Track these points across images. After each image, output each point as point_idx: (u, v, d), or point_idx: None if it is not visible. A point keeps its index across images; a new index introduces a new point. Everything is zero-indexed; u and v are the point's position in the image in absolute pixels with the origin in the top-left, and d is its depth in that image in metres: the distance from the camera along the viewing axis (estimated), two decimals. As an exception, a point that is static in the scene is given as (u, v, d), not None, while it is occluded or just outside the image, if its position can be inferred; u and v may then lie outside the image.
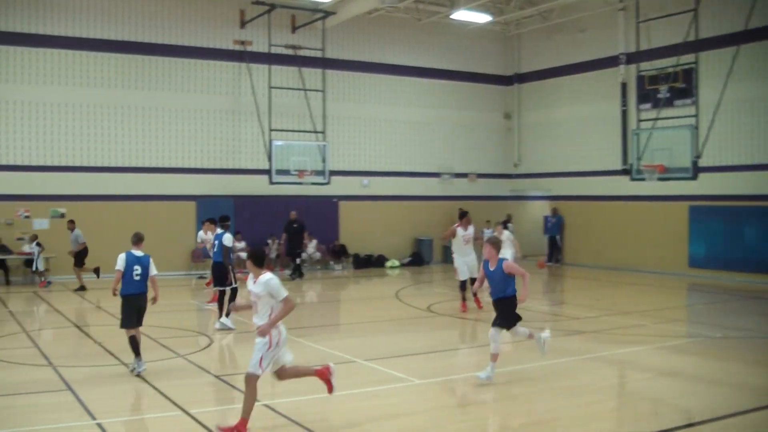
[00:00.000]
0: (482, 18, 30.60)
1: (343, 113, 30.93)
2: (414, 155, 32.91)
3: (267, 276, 9.12)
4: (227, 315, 16.36)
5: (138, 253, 12.39)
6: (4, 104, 25.61)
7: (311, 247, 29.66)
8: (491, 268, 11.61)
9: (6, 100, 25.64)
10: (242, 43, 28.96)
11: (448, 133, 33.78)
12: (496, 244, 11.86)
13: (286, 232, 27.32)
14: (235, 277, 17.12)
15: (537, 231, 33.99)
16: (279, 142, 28.00)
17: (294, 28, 29.80)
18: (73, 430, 9.36)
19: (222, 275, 17.07)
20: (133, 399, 10.94)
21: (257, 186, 28.80)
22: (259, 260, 9.29)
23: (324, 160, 28.53)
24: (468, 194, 33.59)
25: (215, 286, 17.38)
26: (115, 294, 12.44)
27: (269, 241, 28.79)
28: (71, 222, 24.45)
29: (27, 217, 25.96)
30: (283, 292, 9.09)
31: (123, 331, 12.43)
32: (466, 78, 34.13)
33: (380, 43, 31.91)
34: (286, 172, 27.91)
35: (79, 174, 26.51)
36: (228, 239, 17.15)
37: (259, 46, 29.06)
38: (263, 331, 9.11)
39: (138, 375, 11.93)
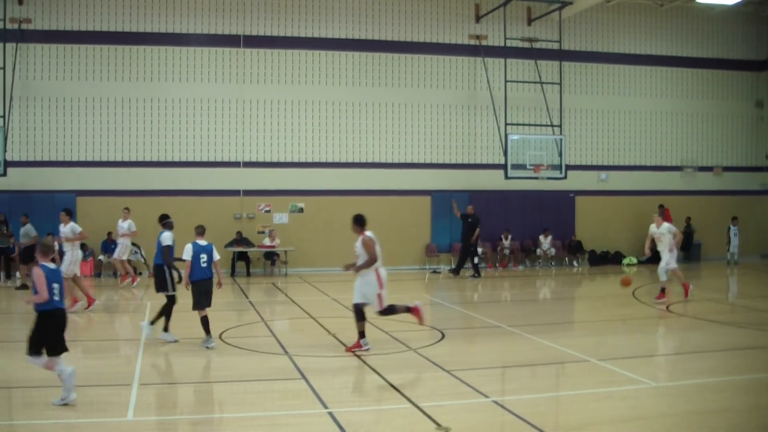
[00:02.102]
0: (732, -1, 28.62)
1: (579, 105, 29.95)
2: (653, 148, 31.32)
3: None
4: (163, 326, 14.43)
5: (202, 242, 13.90)
6: (264, 103, 26.87)
7: (546, 243, 28.95)
8: None
9: (256, 99, 26.89)
10: (477, 37, 28.72)
11: (690, 124, 31.86)
12: None
13: (463, 227, 26.24)
14: (173, 284, 14.55)
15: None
16: (515, 136, 27.48)
17: (529, 21, 29.22)
18: (304, 417, 9.38)
19: (161, 279, 14.63)
20: (365, 390, 10.86)
21: (492, 181, 28.44)
22: (360, 222, 13.04)
23: (560, 154, 27.70)
24: (712, 189, 31.63)
25: (157, 291, 14.82)
26: (187, 285, 13.54)
27: (502, 236, 28.39)
28: (25, 216, 23.73)
29: (267, 211, 27.04)
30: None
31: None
32: (711, 65, 32.01)
33: (618, 32, 30.62)
34: (521, 167, 27.33)
35: (317, 170, 27.39)
36: (167, 238, 14.84)
37: (495, 39, 28.70)
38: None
39: (208, 348, 13.27)
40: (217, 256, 14.15)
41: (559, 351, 13.19)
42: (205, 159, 26.78)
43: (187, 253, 13.62)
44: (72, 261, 17.99)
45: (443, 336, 14.78)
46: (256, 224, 27.02)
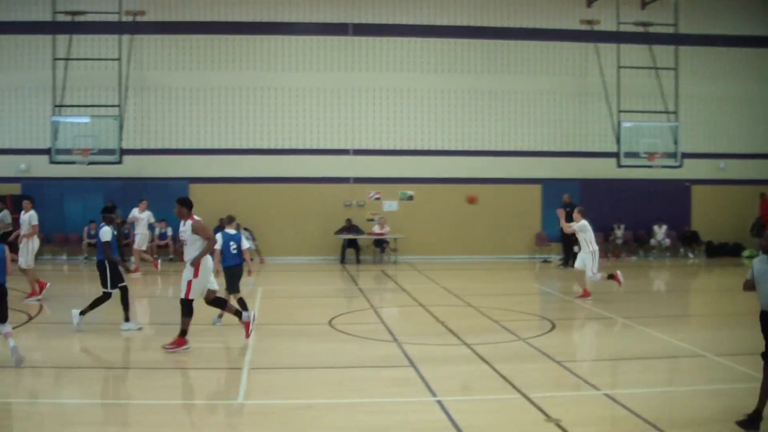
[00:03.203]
0: None
1: (696, 91, 28.84)
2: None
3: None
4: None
5: (231, 231, 14.64)
6: (374, 91, 27.09)
7: (661, 233, 28.27)
8: None
9: (366, 86, 27.08)
10: (589, 22, 28.12)
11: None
12: None
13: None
14: (116, 278, 13.93)
15: None
16: (628, 124, 26.86)
17: (644, 4, 28.42)
18: (413, 405, 9.39)
19: (103, 274, 13.99)
20: (474, 379, 10.77)
21: (604, 169, 27.84)
22: (187, 205, 12.54)
23: (676, 142, 26.94)
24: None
25: (102, 286, 14.07)
26: (217, 273, 13.64)
27: (614, 226, 27.85)
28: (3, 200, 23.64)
29: (377, 199, 27.17)
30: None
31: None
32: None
33: (739, 13, 29.32)
34: (635, 155, 26.71)
35: (427, 158, 27.41)
36: (106, 233, 13.94)
37: (607, 24, 28.02)
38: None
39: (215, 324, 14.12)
40: (246, 245, 14.87)
41: (674, 345, 12.84)
42: (315, 147, 27.10)
43: (218, 242, 14.00)
44: (29, 251, 17.32)
45: (553, 326, 14.58)
46: (366, 212, 27.20)
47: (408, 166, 27.26)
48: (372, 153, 27.23)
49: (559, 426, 8.43)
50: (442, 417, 8.79)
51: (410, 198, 27.31)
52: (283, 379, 10.74)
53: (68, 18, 26.01)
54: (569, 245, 25.13)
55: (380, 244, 26.71)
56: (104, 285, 13.94)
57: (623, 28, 27.63)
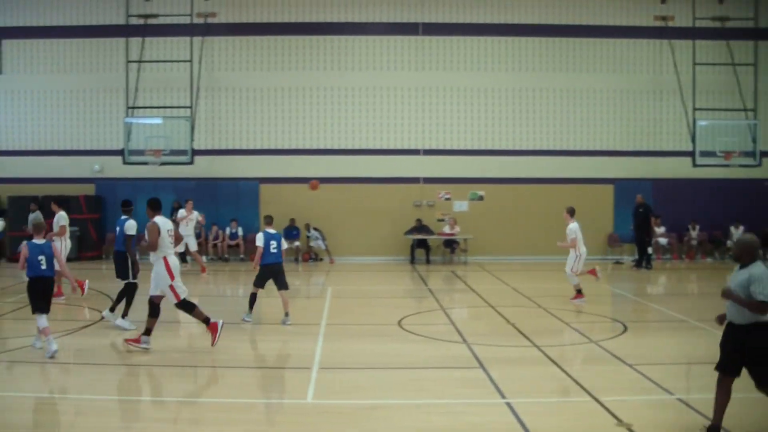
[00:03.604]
0: None
1: (776, 88, 28.14)
2: None
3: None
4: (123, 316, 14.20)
5: (272, 231, 15.01)
6: (444, 90, 27.03)
7: (738, 234, 27.59)
8: None
9: (436, 86, 27.03)
10: (663, 18, 27.59)
11: None
12: None
13: (634, 218, 25.28)
14: (134, 272, 14.27)
15: None
16: (703, 122, 26.30)
17: (721, -1, 27.82)
18: (482, 407, 9.33)
19: (122, 266, 14.40)
20: (544, 382, 10.64)
21: (678, 168, 27.31)
22: (152, 206, 12.52)
23: (754, 140, 26.26)
24: None
25: (117, 277, 14.64)
26: (255, 267, 14.89)
27: (689, 227, 27.29)
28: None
29: (447, 199, 27.07)
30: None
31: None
32: None
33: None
34: (710, 154, 26.13)
35: (497, 158, 27.18)
36: (131, 227, 14.39)
37: (682, 20, 27.44)
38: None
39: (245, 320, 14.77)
40: (285, 245, 15.53)
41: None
42: (385, 147, 27.11)
43: (260, 240, 14.79)
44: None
45: (625, 329, 14.34)
46: (436, 212, 27.12)
47: (478, 166, 27.09)
48: (442, 153, 27.14)
49: (630, 431, 8.28)
50: (511, 419, 8.72)
51: (480, 198, 27.15)
52: (352, 379, 10.76)
53: (141, 21, 26.58)
54: (643, 246, 24.77)
55: (450, 244, 26.60)
56: (125, 276, 14.26)
57: (699, 23, 27.01)
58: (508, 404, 9.25)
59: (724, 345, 8.37)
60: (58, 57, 27.42)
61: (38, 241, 11.68)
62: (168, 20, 26.69)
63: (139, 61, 26.60)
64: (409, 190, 27.00)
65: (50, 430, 8.49)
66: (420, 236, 26.25)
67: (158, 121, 26.03)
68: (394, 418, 8.95)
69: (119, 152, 25.96)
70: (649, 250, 25.12)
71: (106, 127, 27.27)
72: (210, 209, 26.22)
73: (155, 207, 12.63)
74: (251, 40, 27.10)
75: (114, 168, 26.67)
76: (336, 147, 27.11)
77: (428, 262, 26.40)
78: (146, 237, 12.29)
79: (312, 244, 26.39)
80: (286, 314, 14.73)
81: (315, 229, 26.40)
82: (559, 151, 27.40)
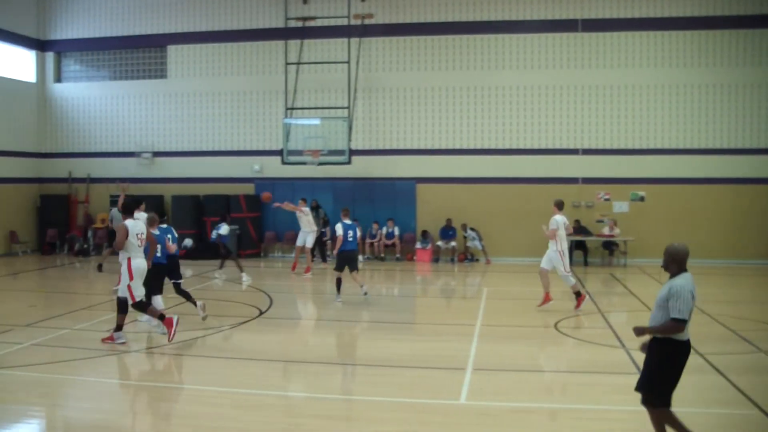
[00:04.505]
0: None
1: None
2: None
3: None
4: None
5: (348, 221, 17.43)
6: (603, 88, 26.40)
7: None
8: None
9: (595, 84, 26.42)
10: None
11: None
12: None
13: None
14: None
15: None
16: None
17: None
18: (639, 414, 8.84)
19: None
20: (706, 391, 10.18)
21: None
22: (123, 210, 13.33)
23: None
24: None
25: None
26: (334, 254, 17.79)
27: None
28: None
29: (607, 199, 26.39)
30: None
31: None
32: None
33: None
34: None
35: (659, 157, 26.22)
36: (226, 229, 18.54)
37: None
38: None
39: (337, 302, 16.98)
40: (358, 233, 18.13)
41: None
42: (542, 146, 26.70)
43: (339, 230, 17.20)
44: None
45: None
46: (595, 213, 26.48)
47: (639, 166, 26.21)
48: (601, 152, 26.44)
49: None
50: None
51: (641, 199, 26.30)
52: (506, 382, 10.65)
53: (299, 24, 27.20)
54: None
55: (609, 246, 25.92)
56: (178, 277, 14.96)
57: None
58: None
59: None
60: (219, 60, 28.52)
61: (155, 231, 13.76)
62: (325, 22, 27.28)
63: (298, 63, 27.25)
64: (566, 190, 26.41)
65: (213, 422, 8.76)
66: (578, 237, 25.70)
67: (316, 121, 26.57)
68: (547, 423, 8.81)
69: (278, 152, 26.65)
70: None
71: (266, 128, 28.12)
72: (367, 209, 26.63)
73: (127, 210, 13.09)
74: (407, 40, 27.29)
75: (273, 168, 27.45)
76: (492, 147, 26.90)
77: (586, 264, 25.82)
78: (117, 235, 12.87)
79: (469, 244, 26.29)
80: (361, 286, 17.47)
81: (472, 229, 26.29)
82: (722, 150, 25.98)
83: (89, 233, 28.60)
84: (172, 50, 28.86)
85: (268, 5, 27.91)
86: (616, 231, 25.58)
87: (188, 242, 18.92)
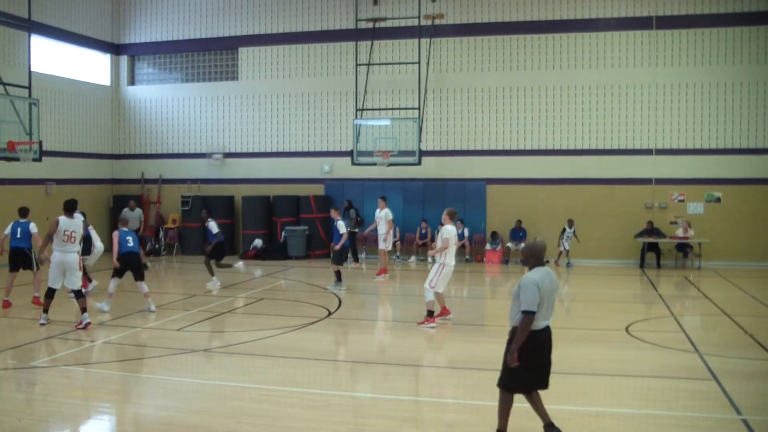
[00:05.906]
0: None
1: None
2: None
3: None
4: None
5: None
6: (679, 87, 25.93)
7: None
8: None
9: (670, 83, 25.93)
10: None
11: None
12: None
13: None
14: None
15: None
16: None
17: None
18: (713, 421, 8.85)
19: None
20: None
21: None
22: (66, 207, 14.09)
23: None
24: None
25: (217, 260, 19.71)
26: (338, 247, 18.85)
27: None
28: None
29: (681, 200, 25.88)
30: None
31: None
32: None
33: None
34: None
35: (733, 157, 25.50)
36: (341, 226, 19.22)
37: None
38: None
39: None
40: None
41: None
42: (615, 146, 26.27)
43: (342, 228, 19.05)
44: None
45: None
46: (669, 214, 25.97)
47: (715, 166, 25.59)
48: (676, 153, 25.91)
49: None
50: (747, 437, 8.19)
51: (717, 200, 25.72)
52: (578, 385, 10.50)
53: (369, 24, 27.27)
54: None
55: (683, 248, 25.39)
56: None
57: None
58: (744, 421, 8.70)
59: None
60: (289, 62, 28.75)
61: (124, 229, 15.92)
62: (396, 23, 27.30)
63: (368, 64, 27.32)
64: (640, 191, 26.02)
65: (280, 421, 8.81)
66: (651, 239, 25.24)
67: (386, 122, 26.59)
68: (619, 428, 8.68)
69: (348, 153, 26.73)
70: None
71: (336, 128, 28.26)
72: (437, 210, 26.42)
73: (67, 208, 14.17)
74: (478, 40, 27.14)
75: (343, 169, 27.57)
76: (564, 147, 26.58)
77: (659, 266, 25.33)
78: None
79: (565, 242, 25.93)
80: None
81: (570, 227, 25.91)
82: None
83: (160, 233, 29.09)
84: (243, 52, 29.21)
85: (339, 7, 28.06)
86: (691, 233, 25.06)
87: (258, 243, 19.33)
